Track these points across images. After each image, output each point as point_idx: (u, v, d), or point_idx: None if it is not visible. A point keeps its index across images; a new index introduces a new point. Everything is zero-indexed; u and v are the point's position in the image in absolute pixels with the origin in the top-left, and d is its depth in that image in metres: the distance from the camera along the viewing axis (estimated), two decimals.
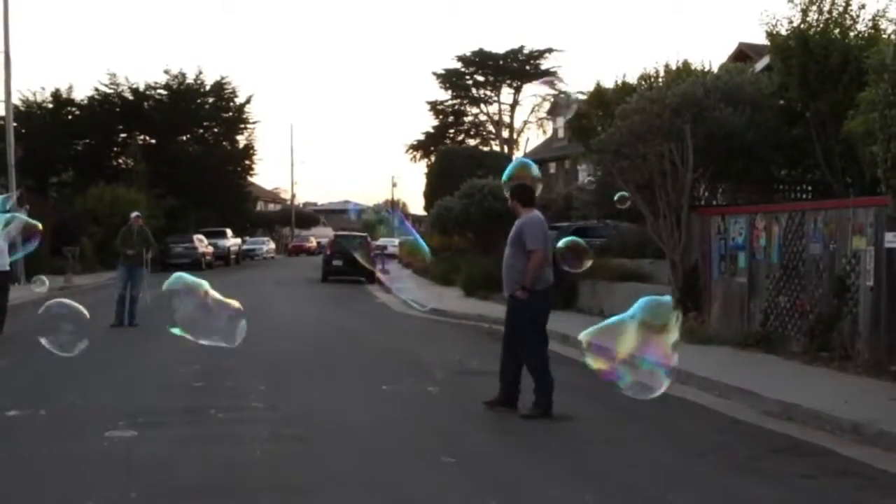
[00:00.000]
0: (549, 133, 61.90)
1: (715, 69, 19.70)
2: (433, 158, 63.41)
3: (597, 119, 20.90)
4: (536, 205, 10.51)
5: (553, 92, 66.45)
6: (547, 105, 66.49)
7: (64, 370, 13.08)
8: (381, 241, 59.26)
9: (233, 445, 8.44)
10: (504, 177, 10.55)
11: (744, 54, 27.51)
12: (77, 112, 53.64)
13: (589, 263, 10.32)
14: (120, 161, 54.34)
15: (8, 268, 17.19)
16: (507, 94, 71.46)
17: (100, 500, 6.64)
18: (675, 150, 16.53)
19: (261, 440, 8.63)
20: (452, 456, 8.12)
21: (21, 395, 10.95)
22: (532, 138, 74.28)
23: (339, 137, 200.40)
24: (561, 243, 10.14)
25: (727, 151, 16.57)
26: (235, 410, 10.07)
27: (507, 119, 72.08)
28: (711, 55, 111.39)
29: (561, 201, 29.31)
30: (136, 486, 7.03)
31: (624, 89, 20.10)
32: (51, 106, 52.58)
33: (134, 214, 19.60)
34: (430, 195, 49.35)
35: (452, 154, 53.21)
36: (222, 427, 9.25)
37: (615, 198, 14.46)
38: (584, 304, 21.26)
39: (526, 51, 69.32)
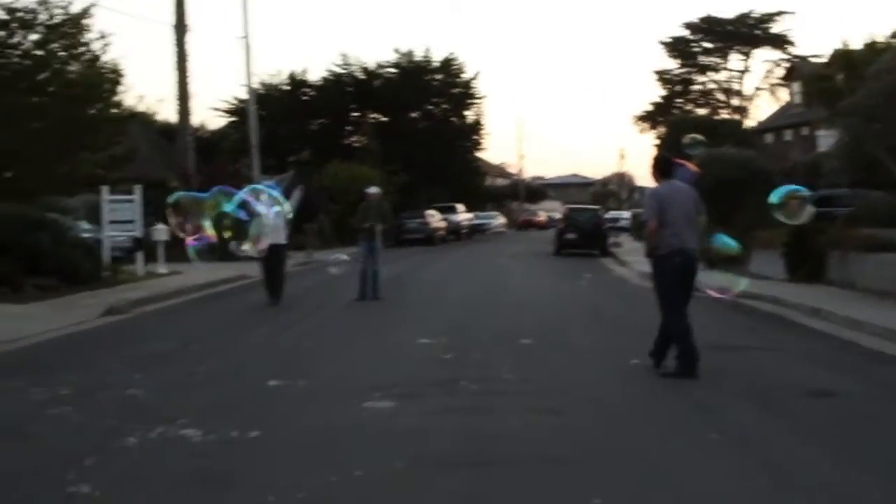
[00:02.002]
0: (783, 100, 59.91)
1: None
2: (661, 129, 62.46)
3: (842, 82, 20.00)
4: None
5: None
6: (780, 71, 64.39)
7: (315, 342, 13.55)
8: (612, 214, 58.83)
9: (489, 417, 8.44)
10: (774, 199, 11.41)
11: None
12: (312, 93, 55.48)
13: None
14: (353, 139, 55.86)
15: (284, 241, 18.01)
16: (736, 60, 69.57)
17: (367, 469, 6.74)
18: None
19: (517, 412, 8.60)
20: (716, 432, 7.86)
21: (280, 365, 11.34)
22: (764, 105, 72.23)
23: (565, 111, 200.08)
24: None
25: None
26: (487, 382, 10.08)
27: (736, 86, 70.19)
28: None
29: (804, 169, 28.26)
30: (400, 457, 7.09)
31: (873, 48, 19.12)
32: (287, 88, 54.56)
33: (371, 190, 19.85)
34: None
35: (683, 124, 52.03)
36: (477, 399, 9.26)
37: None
38: (833, 277, 20.34)
39: (755, 15, 67.24)
